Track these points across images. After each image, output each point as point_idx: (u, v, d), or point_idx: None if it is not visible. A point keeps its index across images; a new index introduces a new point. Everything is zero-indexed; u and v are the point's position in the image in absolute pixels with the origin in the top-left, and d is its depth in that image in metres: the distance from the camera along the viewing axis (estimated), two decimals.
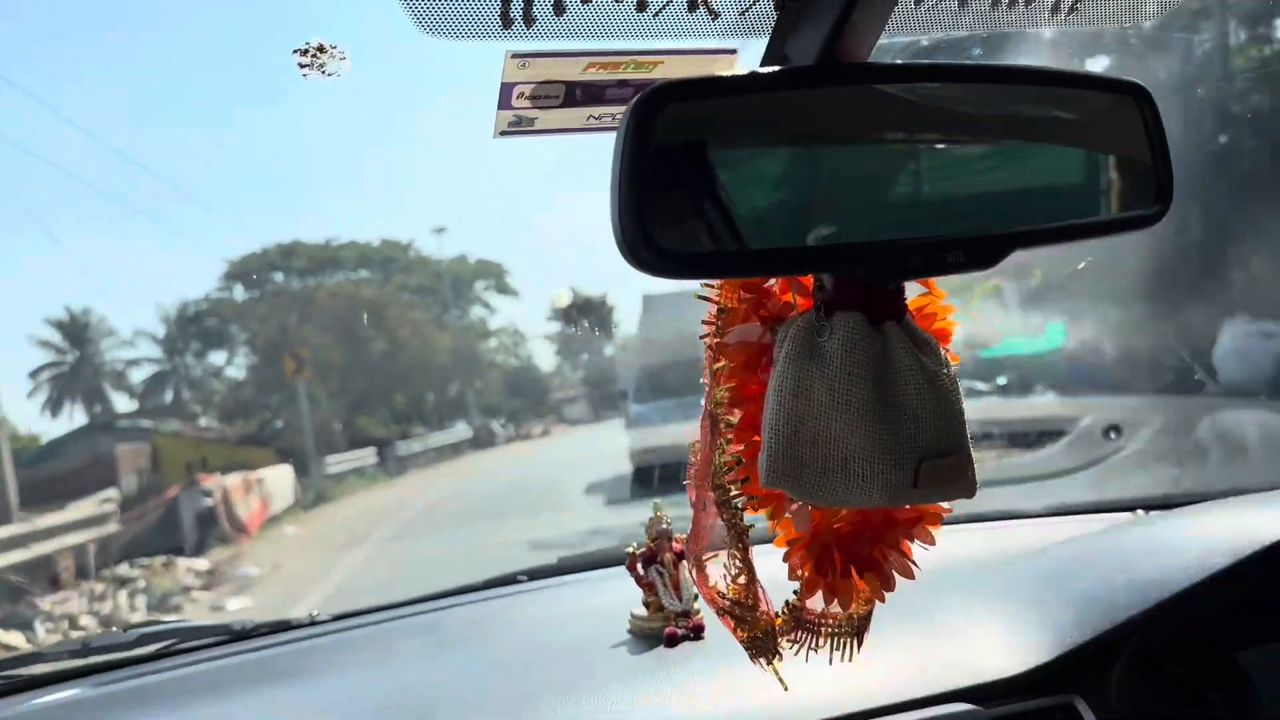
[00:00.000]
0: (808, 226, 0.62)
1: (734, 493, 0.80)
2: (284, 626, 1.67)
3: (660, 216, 0.56)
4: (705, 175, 0.58)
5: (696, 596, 1.28)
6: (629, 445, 10.60)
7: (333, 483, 19.19)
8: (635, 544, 1.34)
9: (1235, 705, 1.21)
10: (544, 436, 28.71)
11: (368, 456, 21.84)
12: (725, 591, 0.87)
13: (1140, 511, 1.67)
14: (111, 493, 15.42)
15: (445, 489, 16.38)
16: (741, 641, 0.87)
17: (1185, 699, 1.21)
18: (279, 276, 29.70)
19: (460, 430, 27.21)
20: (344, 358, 26.42)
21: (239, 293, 30.05)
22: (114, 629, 1.68)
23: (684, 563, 1.30)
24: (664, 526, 1.31)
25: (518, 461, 20.78)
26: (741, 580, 0.85)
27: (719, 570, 0.88)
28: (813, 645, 0.86)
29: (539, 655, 1.27)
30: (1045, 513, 1.76)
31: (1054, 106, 0.72)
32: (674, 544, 1.31)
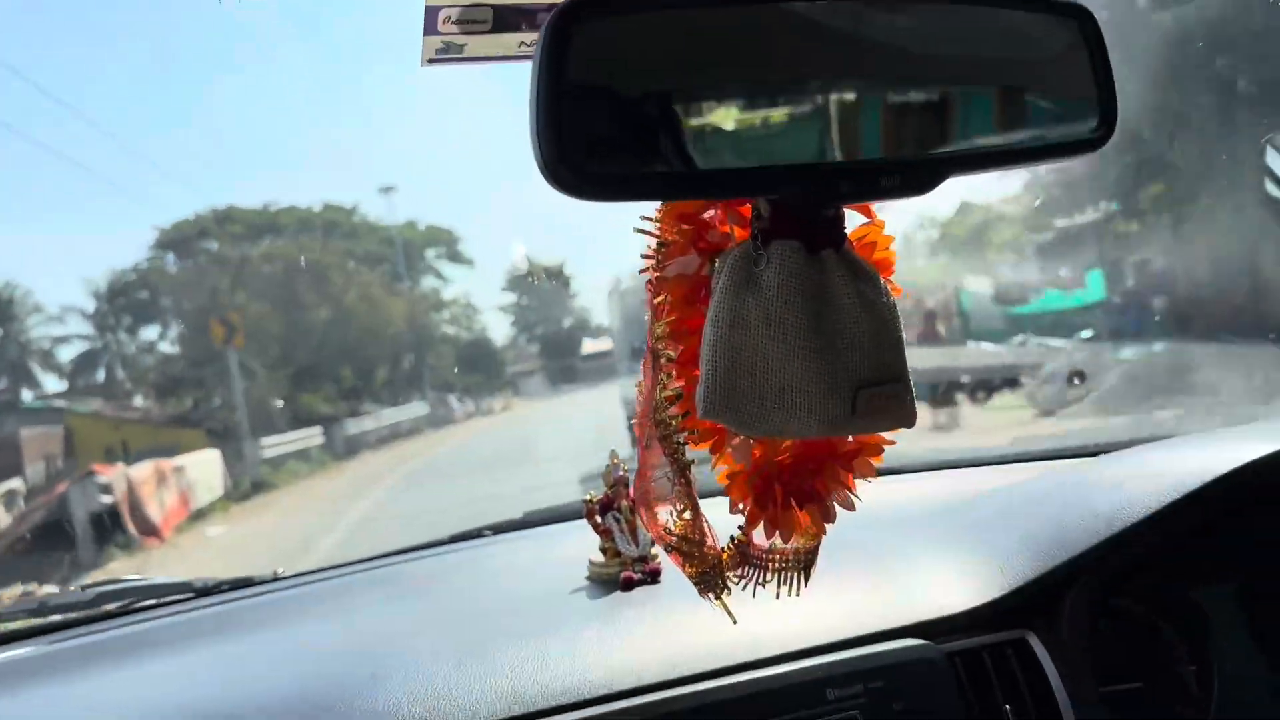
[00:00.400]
0: (736, 147, 0.60)
1: (675, 427, 0.80)
2: (246, 583, 1.66)
3: (581, 136, 0.55)
4: (628, 92, 0.57)
5: (653, 542, 1.28)
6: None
7: (271, 468, 16.50)
8: (592, 492, 1.33)
9: (1188, 640, 1.23)
10: (505, 411, 27.20)
11: (313, 437, 18.90)
12: (671, 528, 0.86)
13: (1101, 456, 1.68)
14: (15, 484, 12.90)
15: (406, 475, 14.72)
16: (690, 577, 0.86)
17: (1138, 633, 1.22)
18: (213, 245, 26.61)
19: (415, 407, 24.83)
20: (284, 327, 23.57)
21: (170, 262, 27.08)
22: (71, 587, 1.67)
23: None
24: (620, 473, 1.31)
25: (485, 438, 19.44)
26: (687, 515, 0.85)
27: (665, 508, 0.88)
28: (760, 580, 0.86)
29: (496, 603, 1.27)
30: (1008, 458, 1.77)
31: (994, 27, 0.71)
32: (630, 490, 1.31)
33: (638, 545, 1.25)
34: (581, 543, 1.49)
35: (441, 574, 1.55)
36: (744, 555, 0.87)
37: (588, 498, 1.33)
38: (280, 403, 20.97)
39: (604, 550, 1.29)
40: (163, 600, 1.62)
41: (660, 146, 0.58)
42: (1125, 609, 1.18)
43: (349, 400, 23.12)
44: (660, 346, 0.79)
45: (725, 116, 0.60)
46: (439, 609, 1.31)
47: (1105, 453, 1.50)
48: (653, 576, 1.24)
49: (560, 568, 1.39)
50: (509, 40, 0.75)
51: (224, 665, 1.27)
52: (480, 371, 31.85)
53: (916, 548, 1.19)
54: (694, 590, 1.12)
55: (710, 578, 0.87)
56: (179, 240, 26.01)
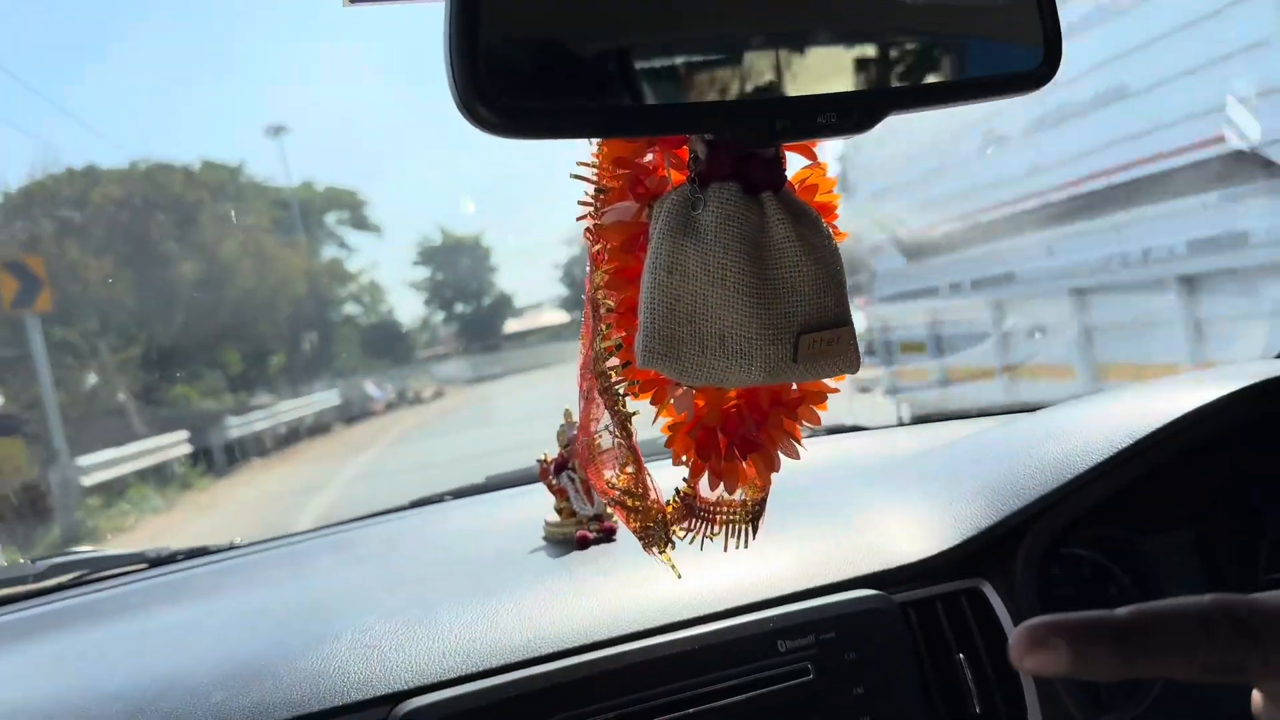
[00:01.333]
0: (668, 82, 0.58)
1: (615, 379, 0.78)
2: (202, 552, 1.64)
3: (501, 66, 0.53)
4: (554, 18, 0.54)
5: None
6: None
7: (98, 502, 10.28)
8: (546, 452, 1.32)
9: (1142, 588, 1.24)
10: (438, 399, 22.78)
11: (173, 445, 12.41)
12: (615, 482, 0.85)
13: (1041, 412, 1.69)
14: None
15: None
16: (634, 531, 0.86)
17: (1091, 581, 1.23)
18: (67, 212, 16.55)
19: (324, 397, 19.45)
20: (135, 291, 15.94)
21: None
22: (22, 561, 1.64)
23: None
24: (574, 433, 1.29)
25: (428, 434, 15.35)
26: (630, 469, 0.84)
27: (608, 462, 0.86)
28: (707, 533, 0.85)
29: (450, 564, 1.25)
30: (963, 414, 1.77)
31: None
32: None
33: (592, 504, 1.24)
34: (540, 505, 1.48)
35: (398, 538, 1.54)
36: (690, 508, 0.86)
37: (541, 457, 1.32)
38: (130, 396, 14.33)
39: (559, 510, 1.28)
40: (116, 571, 1.59)
41: (588, 79, 0.56)
42: (1078, 557, 1.18)
43: (236, 391, 17.65)
44: (599, 296, 0.78)
45: (657, 48, 0.58)
46: (392, 572, 1.30)
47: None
48: (608, 535, 1.23)
49: (517, 529, 1.38)
50: None
51: (174, 632, 1.25)
52: (390, 355, 28.20)
53: (869, 500, 1.19)
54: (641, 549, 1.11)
55: (654, 532, 0.86)
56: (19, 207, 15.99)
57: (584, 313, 0.82)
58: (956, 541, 1.06)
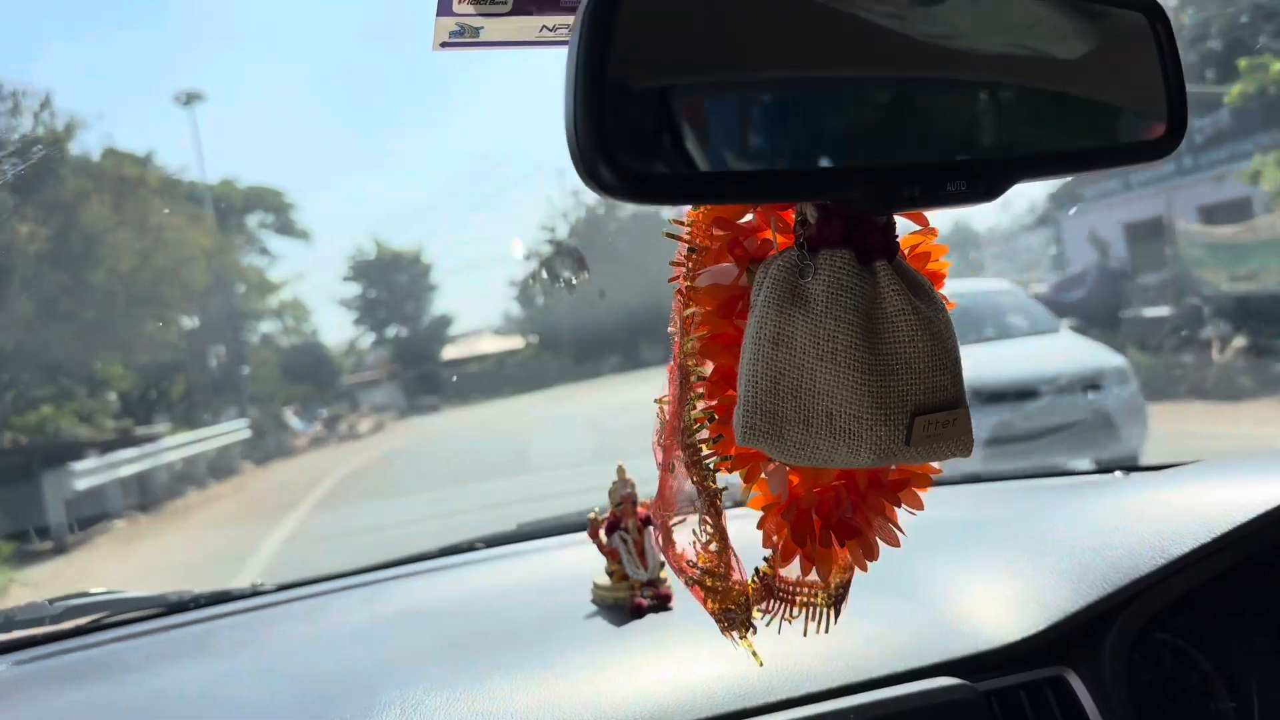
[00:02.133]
0: (795, 147, 0.55)
1: (706, 452, 0.74)
2: (224, 597, 1.60)
3: (624, 131, 0.49)
4: (677, 82, 0.51)
5: (663, 565, 1.23)
6: None
7: None
8: (597, 509, 1.28)
9: (1226, 675, 1.18)
10: (375, 433, 18.69)
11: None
12: (695, 560, 0.81)
13: (1119, 473, 1.64)
14: None
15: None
16: (712, 613, 0.81)
17: (1175, 667, 1.17)
18: None
19: (228, 428, 15.42)
20: None
21: None
22: (38, 600, 1.60)
23: (649, 529, 1.25)
24: (628, 490, 1.25)
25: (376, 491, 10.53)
26: (713, 547, 0.79)
27: (687, 536, 0.82)
28: (786, 615, 0.81)
29: (496, 628, 1.21)
30: (1018, 474, 1.73)
31: (1062, 23, 0.66)
32: (639, 509, 1.25)
33: (646, 568, 1.19)
34: (581, 560, 1.43)
35: (432, 591, 1.50)
36: (770, 589, 0.81)
37: (592, 515, 1.28)
38: None
39: (610, 572, 1.23)
40: (134, 615, 1.56)
41: (713, 144, 0.52)
42: (1161, 641, 1.13)
43: (119, 418, 14.05)
44: (690, 363, 0.74)
45: (786, 113, 0.55)
46: (433, 634, 1.25)
47: (1143, 470, 1.46)
48: (663, 602, 1.18)
49: (561, 589, 1.33)
50: (529, 24, 0.70)
51: (205, 688, 1.21)
52: (314, 380, 24.55)
53: (947, 574, 1.14)
54: (710, 620, 1.07)
55: (735, 615, 0.81)
56: None
57: (668, 379, 0.78)
58: (1042, 627, 1.02)
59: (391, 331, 30.98)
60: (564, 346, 26.51)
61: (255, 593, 1.62)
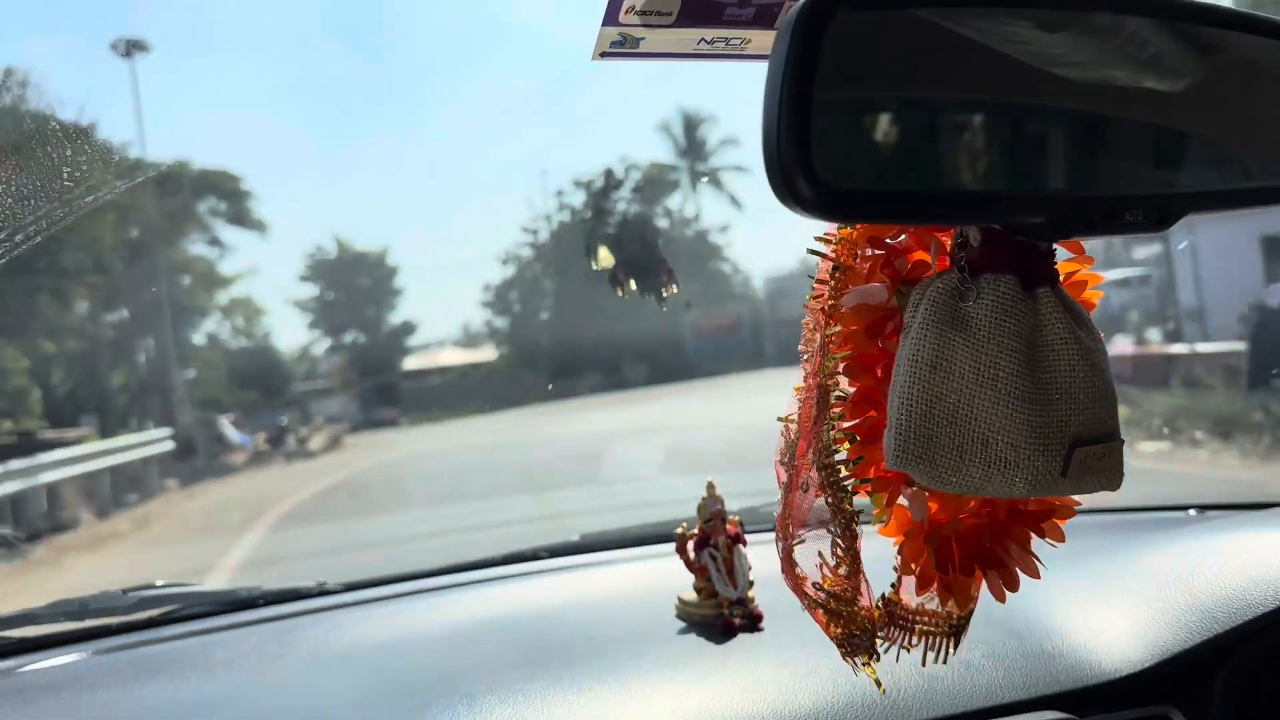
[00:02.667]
0: (988, 170, 0.55)
1: (844, 474, 0.74)
2: (292, 596, 1.61)
3: (827, 148, 0.49)
4: (879, 102, 0.51)
5: (752, 584, 1.22)
6: None
7: None
8: (685, 524, 1.27)
9: None
10: (330, 452, 15.43)
11: None
12: (820, 582, 0.80)
13: (1192, 511, 1.62)
14: None
15: None
16: (834, 638, 0.80)
17: (1269, 706, 1.15)
18: None
19: (146, 437, 12.95)
20: None
21: None
22: (112, 590, 1.61)
23: (738, 547, 1.24)
24: (718, 507, 1.25)
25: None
26: (843, 571, 0.78)
27: (810, 559, 0.81)
28: (905, 644, 0.80)
29: (583, 641, 1.20)
30: (1090, 509, 1.70)
31: (1249, 55, 0.65)
32: (728, 526, 1.24)
33: (736, 587, 1.19)
34: (655, 574, 1.43)
35: (502, 599, 1.49)
36: (891, 615, 0.81)
37: (680, 530, 1.27)
38: None
39: (698, 589, 1.23)
40: (205, 610, 1.57)
41: (909, 164, 0.52)
42: (1274, 688, 1.11)
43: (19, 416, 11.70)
44: (831, 383, 0.73)
45: (979, 137, 0.54)
46: (508, 641, 1.25)
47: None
48: (754, 622, 1.17)
49: (639, 602, 1.33)
50: (688, 36, 0.70)
51: (277, 689, 1.21)
52: (261, 387, 22.30)
53: (1051, 606, 1.12)
54: (800, 641, 1.06)
55: (859, 641, 0.80)
56: None
57: (800, 399, 0.77)
58: (1151, 663, 1.00)
59: (349, 337, 28.88)
60: (540, 362, 25.36)
61: (322, 592, 1.63)
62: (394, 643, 1.32)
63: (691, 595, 1.23)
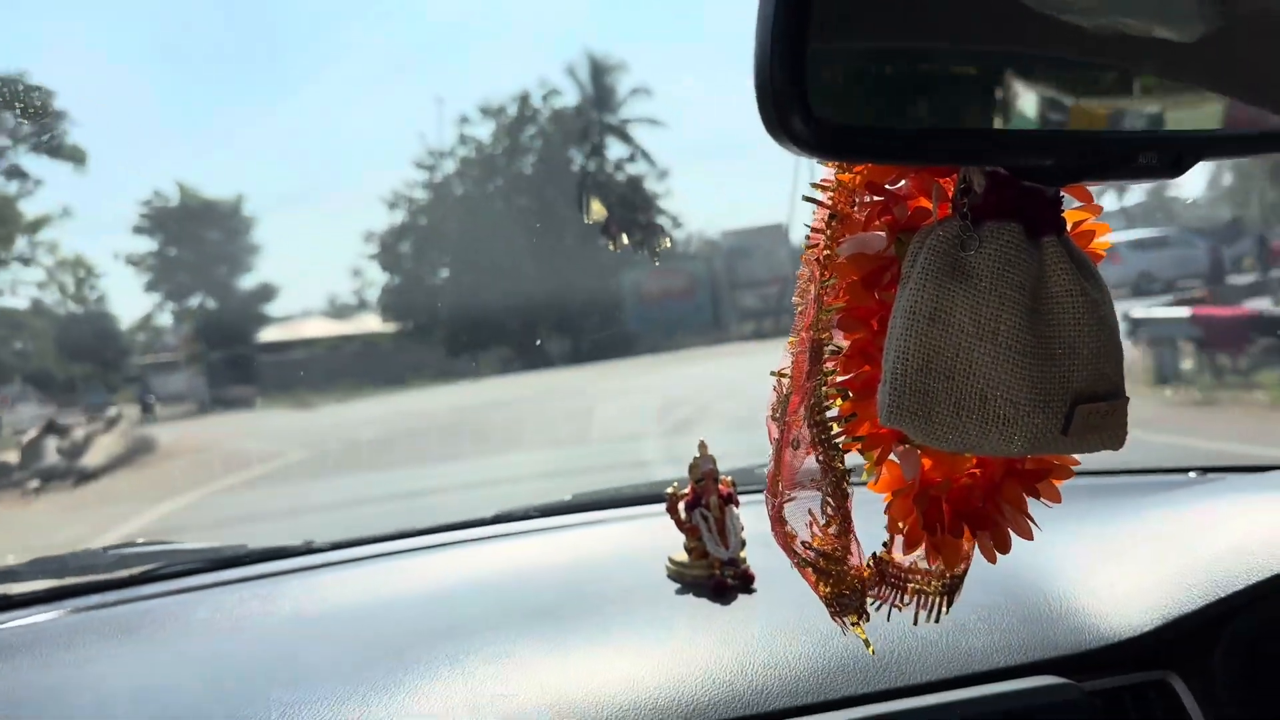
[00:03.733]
0: (995, 107, 0.52)
1: (836, 430, 0.71)
2: (277, 554, 1.60)
3: (822, 80, 0.46)
4: (883, 33, 0.48)
5: (744, 544, 1.21)
6: None
7: None
8: (676, 484, 1.25)
9: None
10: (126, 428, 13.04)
11: None
12: (809, 541, 0.78)
13: (1193, 474, 1.61)
14: None
15: None
16: (823, 597, 0.78)
17: (1272, 671, 1.14)
18: None
19: None
20: None
21: None
22: (94, 548, 1.60)
23: (729, 507, 1.22)
24: (710, 466, 1.23)
25: None
26: (832, 530, 0.77)
27: (800, 517, 0.79)
28: (896, 602, 0.79)
29: (574, 600, 1.19)
30: (1090, 470, 1.69)
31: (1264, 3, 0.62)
32: (721, 486, 1.23)
33: (728, 547, 1.17)
34: (647, 533, 1.41)
35: (492, 558, 1.48)
36: (882, 574, 0.79)
37: (671, 489, 1.25)
38: None
39: (689, 549, 1.21)
40: (188, 568, 1.55)
41: (912, 98, 0.49)
42: (1272, 652, 1.10)
43: None
44: (824, 336, 0.71)
45: (986, 72, 0.51)
46: (501, 599, 1.23)
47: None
48: (745, 582, 1.16)
49: (630, 562, 1.31)
50: None
51: (264, 646, 1.20)
52: (91, 359, 19.30)
53: (1049, 569, 1.11)
54: (790, 601, 1.05)
55: (849, 600, 0.79)
56: None
57: (792, 353, 0.75)
58: (1150, 627, 0.99)
59: (195, 301, 24.07)
60: (435, 332, 21.27)
61: (309, 550, 1.61)
62: (379, 602, 1.31)
63: (683, 555, 1.22)
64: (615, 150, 24.88)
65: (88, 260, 20.49)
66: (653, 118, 25.73)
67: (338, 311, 25.50)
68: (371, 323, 23.94)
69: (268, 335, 23.71)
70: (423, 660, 1.01)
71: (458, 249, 23.78)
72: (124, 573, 1.53)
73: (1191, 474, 1.62)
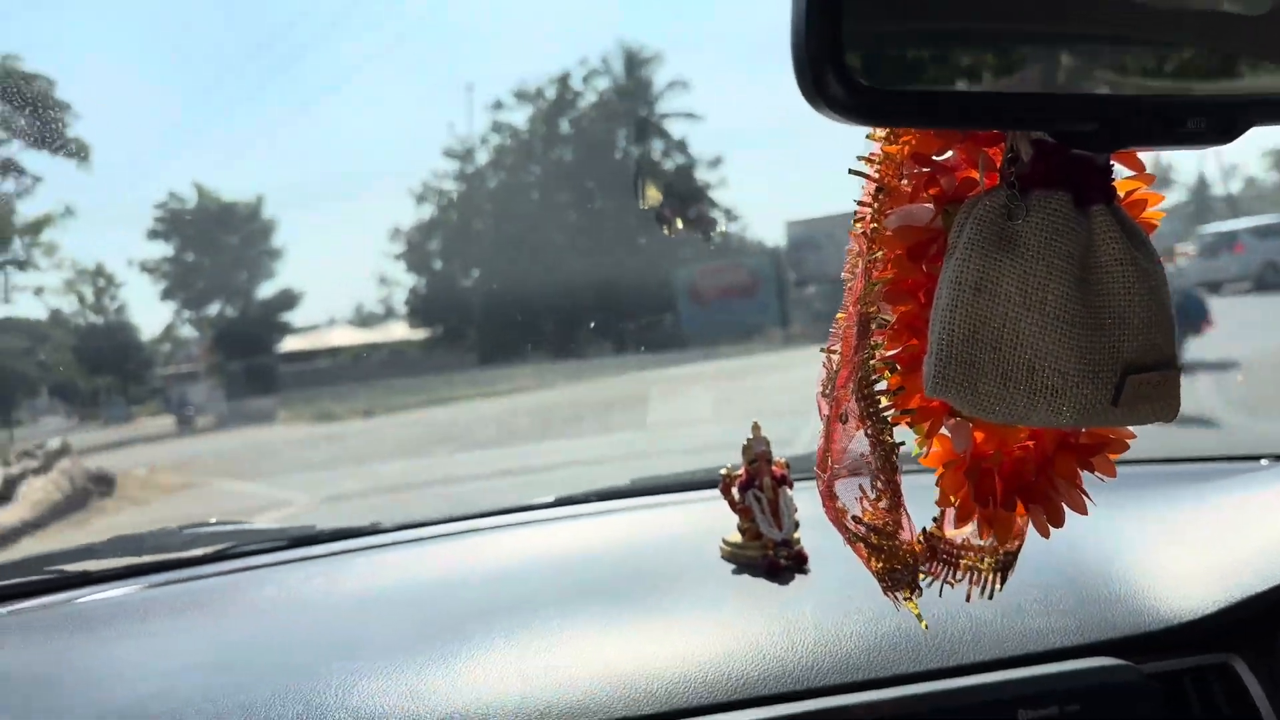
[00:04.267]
0: (1035, 67, 0.51)
1: (884, 404, 0.72)
2: (344, 534, 1.64)
3: (860, 41, 0.47)
4: None
5: (798, 525, 1.21)
6: None
7: None
8: (729, 466, 1.26)
9: None
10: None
11: None
12: (860, 516, 0.78)
13: (1264, 461, 1.57)
14: None
15: None
16: (875, 573, 0.79)
17: None
18: None
19: None
20: None
21: None
22: (170, 527, 1.66)
23: (783, 488, 1.23)
24: (763, 448, 1.23)
25: None
26: (883, 504, 0.77)
27: (851, 492, 0.80)
28: (949, 579, 0.78)
29: (623, 579, 1.20)
30: (1153, 458, 1.66)
31: None
32: (774, 467, 1.23)
33: (781, 528, 1.18)
34: (704, 517, 1.42)
35: (553, 540, 1.50)
36: (934, 550, 0.79)
37: (724, 471, 1.26)
38: None
39: (742, 530, 1.22)
40: (259, 547, 1.60)
41: (952, 60, 0.49)
42: None
43: None
44: (872, 310, 0.71)
45: (1027, 32, 0.51)
46: (560, 579, 1.25)
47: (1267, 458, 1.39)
48: (799, 563, 1.16)
49: (687, 544, 1.32)
50: None
51: (334, 623, 1.24)
52: (110, 371, 18.57)
53: (1110, 551, 1.10)
54: (845, 582, 1.05)
55: (901, 575, 0.79)
56: None
57: (841, 328, 0.75)
58: (1213, 610, 0.97)
59: (213, 309, 23.03)
60: (469, 334, 19.95)
61: (375, 530, 1.65)
62: (440, 581, 1.34)
63: (736, 536, 1.22)
64: (667, 131, 23.07)
65: (107, 269, 20.12)
66: (691, 111, 24.66)
67: (362, 319, 24.20)
68: (399, 329, 22.78)
69: (289, 345, 22.92)
70: (480, 635, 1.03)
71: (489, 244, 22.69)
72: (197, 551, 1.59)
73: (1264, 461, 1.58)
